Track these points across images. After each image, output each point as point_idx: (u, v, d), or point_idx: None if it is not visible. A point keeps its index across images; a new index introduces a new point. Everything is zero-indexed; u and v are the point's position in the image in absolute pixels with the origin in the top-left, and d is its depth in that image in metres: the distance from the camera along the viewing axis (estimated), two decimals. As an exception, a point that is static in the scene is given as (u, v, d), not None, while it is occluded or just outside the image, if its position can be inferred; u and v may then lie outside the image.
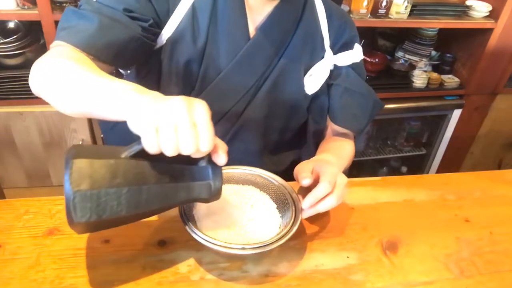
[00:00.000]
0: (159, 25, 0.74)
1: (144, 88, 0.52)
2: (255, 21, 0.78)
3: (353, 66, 0.87)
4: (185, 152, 0.46)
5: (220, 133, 0.72)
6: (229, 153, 0.53)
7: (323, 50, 0.85)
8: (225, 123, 0.82)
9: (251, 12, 0.77)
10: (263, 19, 0.78)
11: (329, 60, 0.85)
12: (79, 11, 0.68)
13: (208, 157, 0.53)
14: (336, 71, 0.87)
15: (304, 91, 0.85)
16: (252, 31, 0.78)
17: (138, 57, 0.75)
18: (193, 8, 0.74)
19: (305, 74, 0.84)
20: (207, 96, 0.77)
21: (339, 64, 0.86)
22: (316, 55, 0.84)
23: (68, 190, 0.47)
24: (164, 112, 0.46)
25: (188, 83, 0.78)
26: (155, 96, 0.50)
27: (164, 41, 0.75)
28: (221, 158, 0.52)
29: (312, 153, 0.87)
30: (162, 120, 0.45)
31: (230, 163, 0.56)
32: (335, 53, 0.86)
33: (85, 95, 0.55)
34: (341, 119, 0.89)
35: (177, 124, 0.46)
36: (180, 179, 0.53)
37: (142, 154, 0.49)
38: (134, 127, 0.48)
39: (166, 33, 0.74)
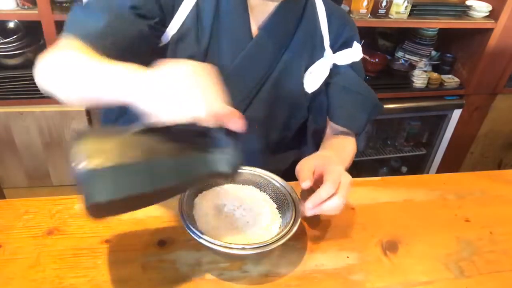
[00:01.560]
0: (164, 22, 0.74)
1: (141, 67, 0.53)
2: (258, 20, 0.78)
3: (352, 65, 0.87)
4: (196, 114, 0.47)
5: None
6: None
7: (323, 49, 0.85)
8: None
9: (253, 11, 0.77)
10: (265, 18, 0.78)
11: (329, 59, 0.85)
12: (87, 8, 0.69)
13: (225, 130, 0.52)
14: (335, 70, 0.87)
15: (304, 90, 0.85)
16: (254, 30, 0.78)
17: (144, 54, 0.75)
18: (197, 7, 0.74)
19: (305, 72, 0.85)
20: None
21: (339, 63, 0.86)
22: (316, 54, 0.85)
23: (79, 170, 0.44)
24: (170, 78, 0.48)
25: None
26: (156, 69, 0.51)
27: (169, 39, 0.75)
28: (236, 123, 0.51)
29: (312, 153, 0.87)
30: (169, 86, 0.48)
31: None
32: (334, 52, 0.86)
33: (90, 79, 0.56)
34: (339, 118, 0.88)
35: (185, 87, 0.47)
36: (195, 152, 0.52)
37: (151, 131, 0.49)
38: (143, 102, 0.49)
39: (171, 30, 0.74)
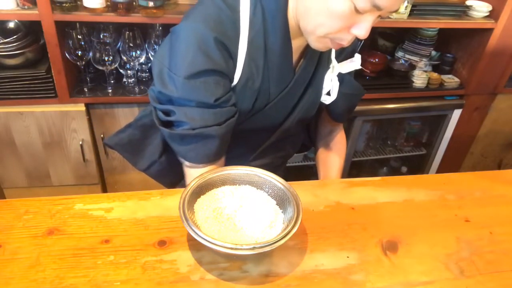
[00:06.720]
0: (231, 81, 0.79)
1: None
2: (296, 55, 0.84)
3: (350, 72, 0.93)
4: None
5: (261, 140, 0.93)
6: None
7: (330, 61, 0.89)
8: (265, 133, 0.94)
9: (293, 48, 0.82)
10: (301, 55, 0.85)
11: (335, 70, 0.90)
12: (195, 134, 0.74)
13: None
14: (339, 78, 0.91)
15: (320, 102, 0.94)
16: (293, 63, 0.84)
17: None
18: (249, 57, 0.77)
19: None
20: (255, 119, 0.86)
21: (343, 71, 0.91)
22: (327, 67, 0.90)
23: None
24: None
25: (242, 113, 0.83)
26: None
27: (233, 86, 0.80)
28: None
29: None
30: None
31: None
32: (339, 62, 0.90)
33: None
34: (340, 117, 1.03)
35: None
36: None
37: None
38: None
39: (234, 81, 0.79)
